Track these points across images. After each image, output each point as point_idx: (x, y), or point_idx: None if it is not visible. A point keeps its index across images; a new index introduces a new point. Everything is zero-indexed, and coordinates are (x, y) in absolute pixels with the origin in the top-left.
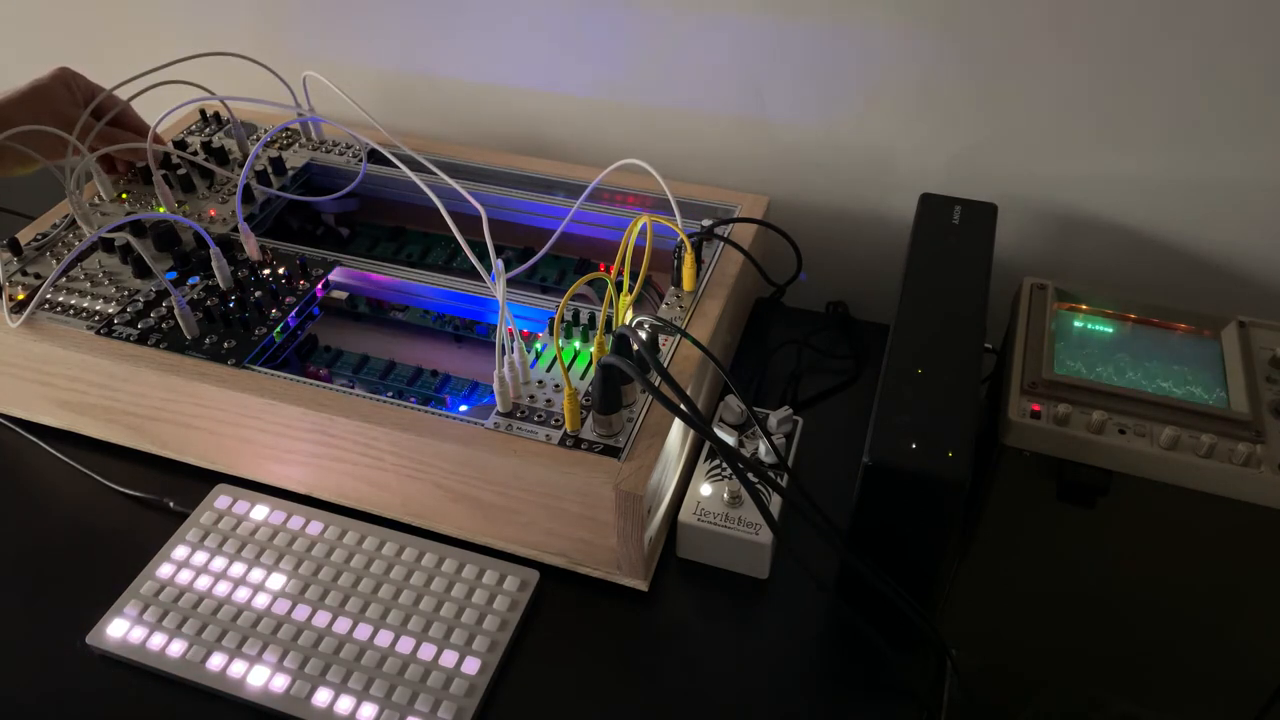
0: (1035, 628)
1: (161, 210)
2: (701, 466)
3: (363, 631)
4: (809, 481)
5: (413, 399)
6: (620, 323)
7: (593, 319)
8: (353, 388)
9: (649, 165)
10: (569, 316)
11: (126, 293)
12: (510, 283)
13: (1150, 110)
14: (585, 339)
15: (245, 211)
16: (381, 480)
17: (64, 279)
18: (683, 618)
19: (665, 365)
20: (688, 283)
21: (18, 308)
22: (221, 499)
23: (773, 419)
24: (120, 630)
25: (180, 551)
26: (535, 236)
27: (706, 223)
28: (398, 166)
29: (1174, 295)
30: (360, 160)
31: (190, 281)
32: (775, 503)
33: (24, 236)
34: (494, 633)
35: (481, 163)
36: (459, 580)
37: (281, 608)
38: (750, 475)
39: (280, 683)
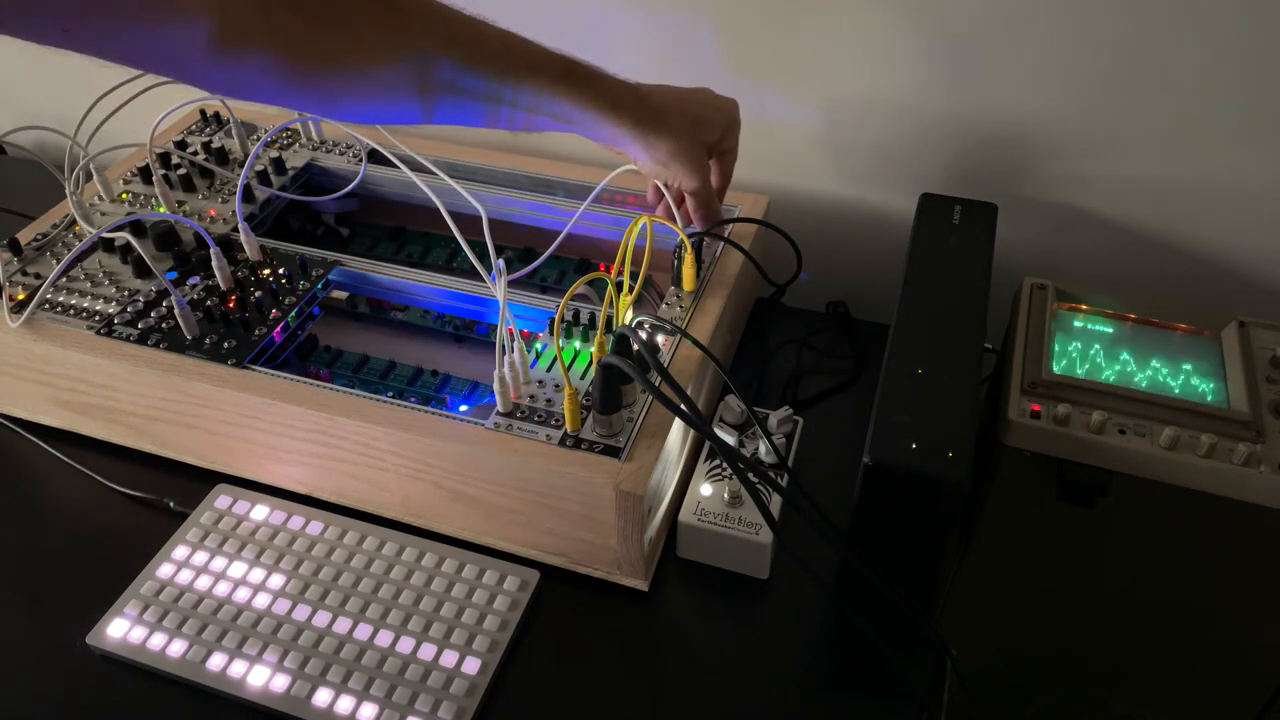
0: (1035, 628)
1: (161, 210)
2: (701, 466)
3: (363, 631)
4: (809, 481)
5: (413, 399)
6: (620, 323)
7: (593, 319)
8: (353, 388)
9: None
10: (569, 316)
11: (126, 293)
12: (510, 283)
13: (1151, 110)
14: (585, 339)
15: (245, 211)
16: (381, 480)
17: (64, 279)
18: (683, 618)
19: (665, 365)
20: (688, 283)
21: (18, 308)
22: (221, 499)
23: (773, 419)
24: (120, 630)
25: (180, 551)
26: (536, 237)
27: None
28: (398, 166)
29: (1174, 295)
30: (360, 160)
31: (190, 281)
32: (775, 503)
33: (24, 236)
34: (494, 633)
35: (481, 163)
36: (459, 580)
37: (281, 608)
38: (750, 475)
39: (280, 683)
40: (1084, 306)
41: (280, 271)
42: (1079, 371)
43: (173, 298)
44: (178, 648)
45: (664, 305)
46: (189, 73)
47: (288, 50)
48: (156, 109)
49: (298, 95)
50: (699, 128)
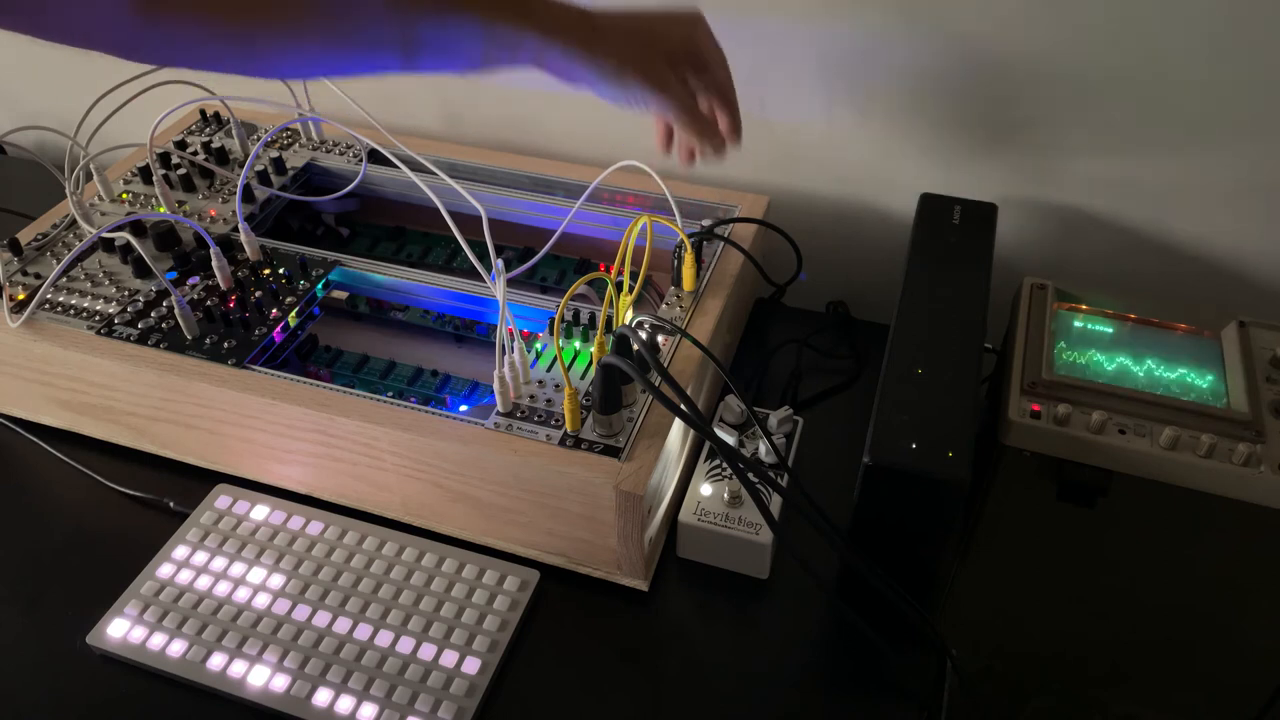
0: (1035, 628)
1: (161, 210)
2: (701, 466)
3: (363, 631)
4: (809, 481)
5: (413, 399)
6: (620, 323)
7: (593, 319)
8: (353, 388)
9: (648, 166)
10: (569, 316)
11: (126, 293)
12: (510, 283)
13: (1150, 110)
14: (585, 339)
15: (245, 211)
16: (381, 480)
17: (64, 279)
18: (683, 618)
19: (665, 365)
20: (688, 283)
21: (18, 308)
22: (221, 499)
23: (773, 419)
24: (120, 630)
25: (180, 551)
26: (535, 236)
27: (706, 223)
28: (398, 166)
29: (1174, 295)
30: (360, 160)
31: (190, 281)
32: (775, 503)
33: (24, 236)
34: (494, 633)
35: (481, 163)
36: (459, 580)
37: (281, 608)
38: (750, 475)
39: (280, 683)
40: (1084, 306)
41: (280, 271)
42: (1079, 372)
43: (173, 298)
44: (178, 648)
45: (664, 305)
46: (125, 46)
47: (211, 5)
48: (156, 109)
49: (226, 49)
50: (652, 37)
